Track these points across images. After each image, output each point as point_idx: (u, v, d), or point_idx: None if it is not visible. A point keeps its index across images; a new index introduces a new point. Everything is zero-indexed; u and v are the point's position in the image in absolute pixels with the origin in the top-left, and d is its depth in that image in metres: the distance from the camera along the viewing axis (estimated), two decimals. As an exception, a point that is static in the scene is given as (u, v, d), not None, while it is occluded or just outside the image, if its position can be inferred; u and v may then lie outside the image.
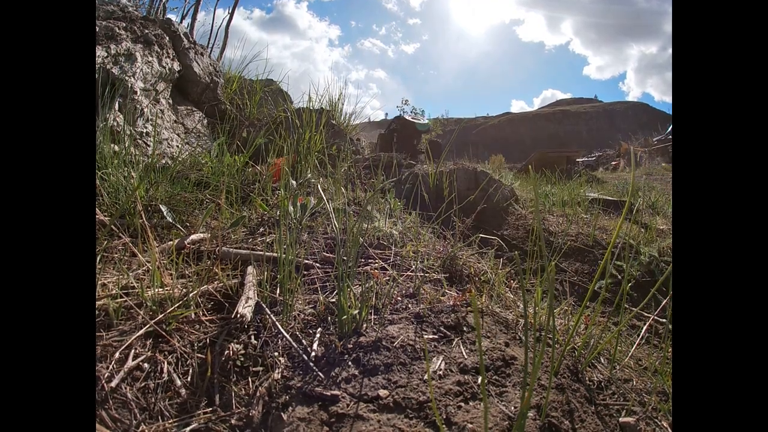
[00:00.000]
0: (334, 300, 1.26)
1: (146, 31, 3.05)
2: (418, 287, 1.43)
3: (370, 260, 1.62)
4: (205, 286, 1.20)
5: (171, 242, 1.41)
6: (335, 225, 1.38)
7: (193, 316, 1.07)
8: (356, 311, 1.14)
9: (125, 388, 0.82)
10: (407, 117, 8.80)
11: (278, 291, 1.26)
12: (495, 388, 0.97)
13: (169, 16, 5.47)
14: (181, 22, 5.48)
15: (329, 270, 1.47)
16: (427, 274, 1.59)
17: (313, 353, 1.01)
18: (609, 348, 1.33)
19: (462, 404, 0.89)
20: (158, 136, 2.82)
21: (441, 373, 0.98)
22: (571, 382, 1.06)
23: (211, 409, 0.83)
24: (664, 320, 1.81)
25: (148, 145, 2.59)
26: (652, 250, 2.67)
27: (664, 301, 1.60)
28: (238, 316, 1.04)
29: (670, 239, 2.89)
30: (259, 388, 0.88)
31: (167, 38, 3.32)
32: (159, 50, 3.13)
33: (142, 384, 0.85)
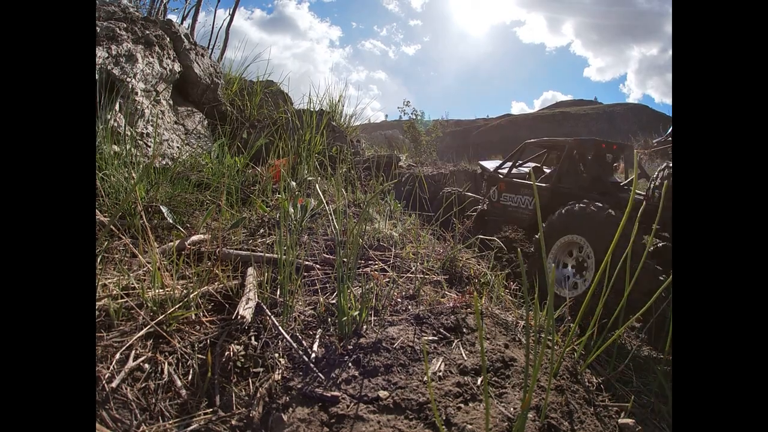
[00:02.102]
0: (334, 301, 1.26)
1: (147, 31, 3.06)
2: (418, 289, 1.43)
3: (370, 262, 1.62)
4: (206, 287, 1.20)
5: (171, 243, 1.41)
6: (335, 226, 1.38)
7: (193, 317, 1.07)
8: (356, 313, 1.14)
9: (126, 389, 0.82)
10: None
11: (278, 292, 1.26)
12: (494, 390, 0.97)
13: (169, 16, 5.49)
14: (181, 22, 5.49)
15: (329, 271, 1.47)
16: (426, 276, 1.59)
17: (314, 354, 1.01)
18: (609, 349, 1.33)
19: (462, 405, 0.89)
20: (159, 137, 2.83)
21: (441, 374, 0.98)
22: (570, 384, 1.06)
23: (211, 409, 0.83)
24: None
25: (149, 146, 2.59)
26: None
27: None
28: (239, 317, 1.05)
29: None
30: (260, 389, 0.88)
31: (168, 39, 3.32)
32: (160, 51, 3.14)
33: (143, 384, 0.85)
